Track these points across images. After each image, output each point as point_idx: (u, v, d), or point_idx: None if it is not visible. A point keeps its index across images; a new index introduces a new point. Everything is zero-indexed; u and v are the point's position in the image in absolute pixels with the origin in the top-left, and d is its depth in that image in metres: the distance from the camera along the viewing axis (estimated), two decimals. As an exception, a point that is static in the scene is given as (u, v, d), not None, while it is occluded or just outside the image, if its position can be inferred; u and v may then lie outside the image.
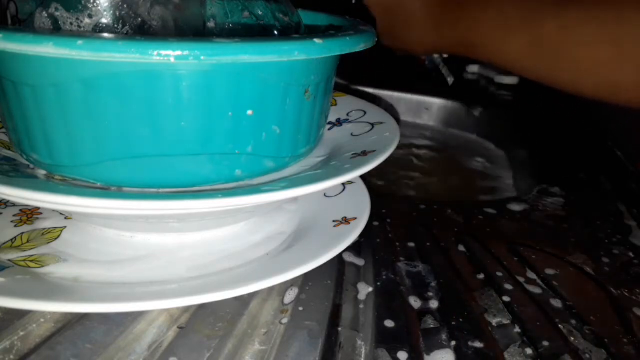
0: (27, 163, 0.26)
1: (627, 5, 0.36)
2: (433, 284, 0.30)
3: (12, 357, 0.22)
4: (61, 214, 0.29)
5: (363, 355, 0.24)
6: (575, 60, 0.39)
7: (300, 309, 0.26)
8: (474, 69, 0.88)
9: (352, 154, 0.28)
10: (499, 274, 0.31)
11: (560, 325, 0.27)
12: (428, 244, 0.34)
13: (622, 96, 0.39)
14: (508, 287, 0.30)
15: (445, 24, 0.47)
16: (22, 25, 0.24)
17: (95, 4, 0.22)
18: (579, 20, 0.38)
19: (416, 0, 0.49)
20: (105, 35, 0.20)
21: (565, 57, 0.39)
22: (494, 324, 0.27)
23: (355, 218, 0.30)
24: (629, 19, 0.35)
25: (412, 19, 0.50)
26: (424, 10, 0.49)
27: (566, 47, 0.39)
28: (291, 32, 0.29)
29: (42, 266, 0.25)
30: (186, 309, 0.25)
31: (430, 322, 0.26)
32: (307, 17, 0.33)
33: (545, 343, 0.26)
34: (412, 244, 0.34)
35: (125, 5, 0.23)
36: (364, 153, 0.28)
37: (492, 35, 0.43)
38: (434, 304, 0.28)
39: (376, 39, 0.27)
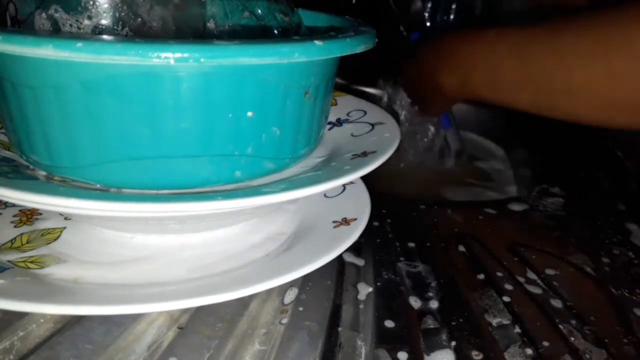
0: (26, 164, 0.26)
1: (620, 20, 0.35)
2: (433, 284, 0.30)
3: (11, 357, 0.22)
4: (61, 214, 0.29)
5: (363, 356, 0.24)
6: (569, 83, 0.38)
7: (300, 309, 0.26)
8: None
9: (352, 155, 0.28)
10: (499, 274, 0.31)
11: (560, 325, 0.27)
12: (428, 244, 0.34)
13: (617, 119, 0.38)
14: (508, 287, 0.30)
15: (446, 76, 0.47)
16: (22, 26, 0.24)
17: (94, 6, 0.22)
18: (571, 43, 0.37)
19: (420, 64, 0.51)
20: (105, 37, 0.20)
21: (560, 80, 0.38)
22: (494, 324, 0.27)
23: (355, 219, 0.30)
24: (619, 35, 0.35)
25: (423, 85, 0.51)
26: (427, 66, 0.50)
27: (560, 71, 0.38)
28: (291, 32, 0.29)
29: (42, 267, 0.25)
30: (186, 309, 0.25)
31: (430, 322, 0.26)
32: (308, 17, 0.33)
33: (545, 343, 0.26)
34: (412, 244, 0.34)
35: (124, 7, 0.23)
36: (364, 154, 0.28)
37: (487, 76, 0.43)
38: (434, 304, 0.28)
39: (376, 40, 0.27)
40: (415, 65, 0.52)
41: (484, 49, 0.43)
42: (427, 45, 0.51)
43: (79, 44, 0.18)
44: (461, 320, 0.27)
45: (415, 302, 0.28)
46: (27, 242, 0.27)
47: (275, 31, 0.29)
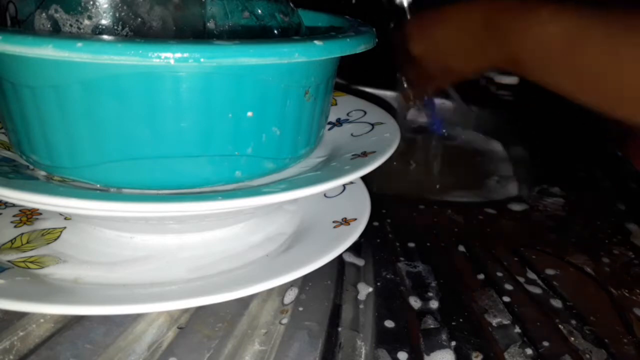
0: (26, 164, 0.26)
1: None
2: (433, 284, 0.30)
3: (11, 357, 0.22)
4: (61, 214, 0.29)
5: (363, 356, 0.24)
6: (619, 81, 0.36)
7: (300, 309, 0.26)
8: None
9: (352, 155, 0.28)
10: (499, 274, 0.31)
11: (560, 325, 0.27)
12: (428, 244, 0.34)
13: None
14: (508, 287, 0.30)
15: (491, 42, 0.44)
16: (22, 26, 0.24)
17: (94, 6, 0.22)
18: (627, 44, 0.35)
19: (455, 21, 0.48)
20: (105, 37, 0.20)
21: (611, 79, 0.36)
22: (494, 324, 0.27)
23: (355, 219, 0.30)
24: None
25: (454, 43, 0.48)
26: (466, 31, 0.46)
27: (612, 72, 0.36)
28: (291, 32, 0.29)
29: (42, 267, 0.25)
30: (186, 309, 0.25)
31: (430, 322, 0.26)
32: (308, 17, 0.33)
33: (545, 343, 0.26)
34: (412, 244, 0.34)
35: (124, 7, 0.23)
36: (364, 154, 0.28)
37: (536, 55, 0.41)
38: (434, 304, 0.28)
39: (376, 40, 0.27)
40: (442, 27, 0.48)
41: (536, 30, 0.40)
42: (458, 10, 0.47)
43: (79, 44, 0.18)
44: (461, 320, 0.27)
45: (415, 302, 0.28)
46: (27, 242, 0.27)
47: (275, 31, 0.29)
